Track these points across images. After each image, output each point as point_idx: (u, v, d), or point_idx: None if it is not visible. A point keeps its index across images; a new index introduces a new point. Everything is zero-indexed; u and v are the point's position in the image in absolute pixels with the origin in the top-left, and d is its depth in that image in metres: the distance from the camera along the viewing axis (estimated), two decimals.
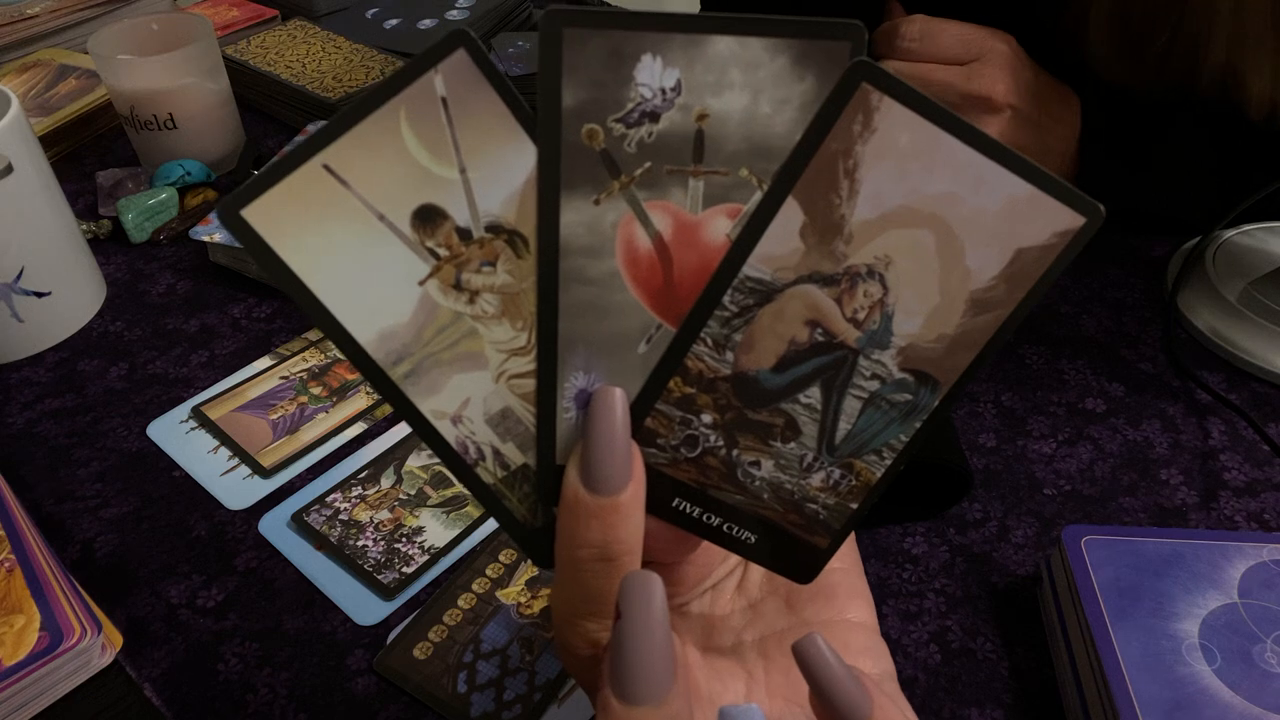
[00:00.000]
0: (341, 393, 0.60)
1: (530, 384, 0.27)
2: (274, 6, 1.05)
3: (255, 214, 0.24)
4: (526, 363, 0.27)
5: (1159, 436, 0.55)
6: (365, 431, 0.57)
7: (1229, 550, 0.44)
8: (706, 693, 0.28)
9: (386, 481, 0.54)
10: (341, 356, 0.62)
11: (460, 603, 0.48)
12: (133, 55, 0.75)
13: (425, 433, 0.27)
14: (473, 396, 0.27)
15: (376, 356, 0.26)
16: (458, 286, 0.26)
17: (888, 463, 0.27)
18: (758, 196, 0.24)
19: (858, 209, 0.24)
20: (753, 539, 0.28)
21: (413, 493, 0.53)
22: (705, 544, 0.30)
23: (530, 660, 0.45)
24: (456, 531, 0.51)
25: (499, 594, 0.48)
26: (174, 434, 0.58)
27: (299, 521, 0.52)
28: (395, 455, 0.56)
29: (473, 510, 0.52)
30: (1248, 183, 0.60)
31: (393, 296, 0.25)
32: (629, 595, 0.24)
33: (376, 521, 0.52)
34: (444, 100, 0.24)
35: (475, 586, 0.48)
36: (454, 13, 0.99)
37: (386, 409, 0.59)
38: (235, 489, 0.54)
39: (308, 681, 0.45)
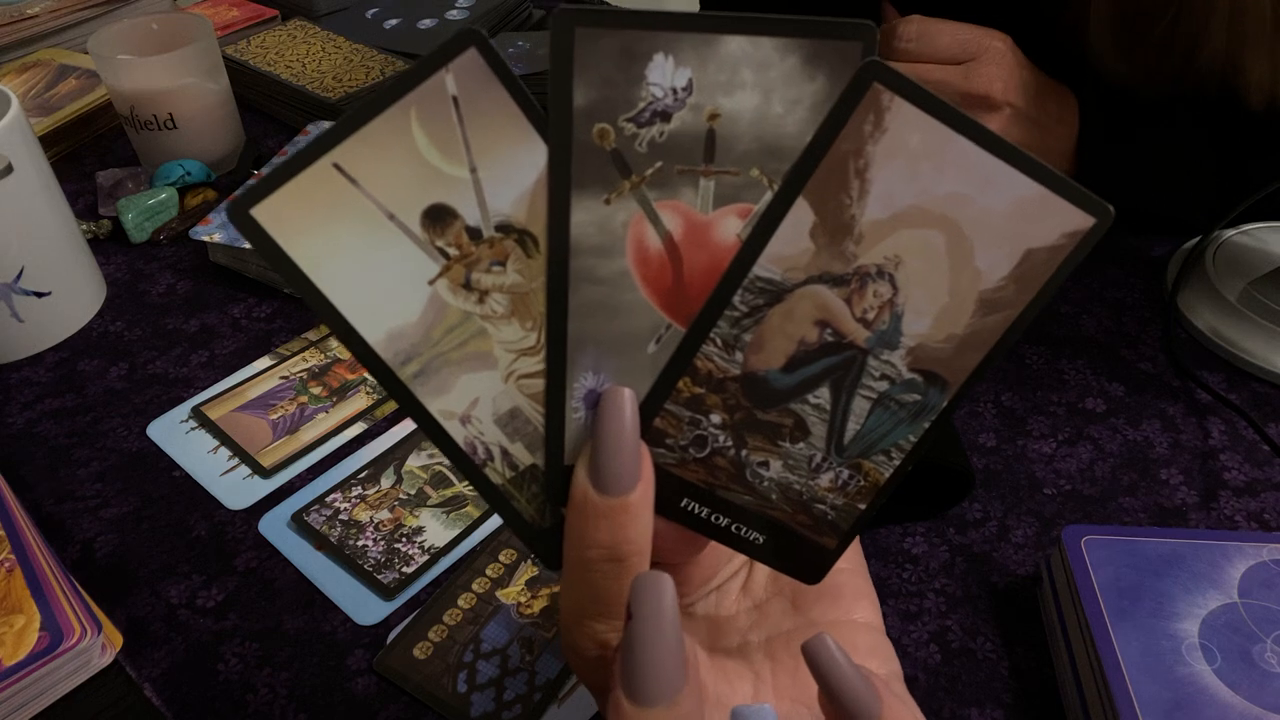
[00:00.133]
0: (341, 393, 0.60)
1: (539, 384, 0.27)
2: (274, 6, 1.04)
3: (264, 213, 0.24)
4: (536, 363, 0.27)
5: (1159, 436, 0.56)
6: (365, 431, 0.57)
7: (1229, 550, 0.44)
8: (714, 694, 0.28)
9: (386, 481, 0.54)
10: (342, 356, 0.62)
11: (460, 602, 0.48)
12: (133, 55, 0.75)
13: (433, 433, 0.27)
14: (481, 396, 0.27)
15: (385, 356, 0.26)
16: (467, 286, 0.26)
17: (896, 463, 0.27)
18: (768, 196, 0.24)
19: (868, 209, 0.24)
20: (761, 539, 0.28)
21: (413, 493, 0.53)
22: (711, 544, 0.30)
23: (530, 660, 0.45)
24: (456, 531, 0.51)
25: (499, 594, 0.48)
26: (174, 434, 0.58)
27: (299, 521, 0.52)
28: (395, 455, 0.56)
29: (473, 510, 0.52)
30: (1248, 182, 0.60)
31: (402, 296, 0.25)
32: (641, 596, 0.24)
33: (376, 521, 0.52)
34: (455, 99, 0.24)
35: (475, 586, 0.48)
36: (454, 13, 0.99)
37: (386, 409, 0.59)
38: (235, 489, 0.54)
39: (308, 681, 0.45)
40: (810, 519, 0.28)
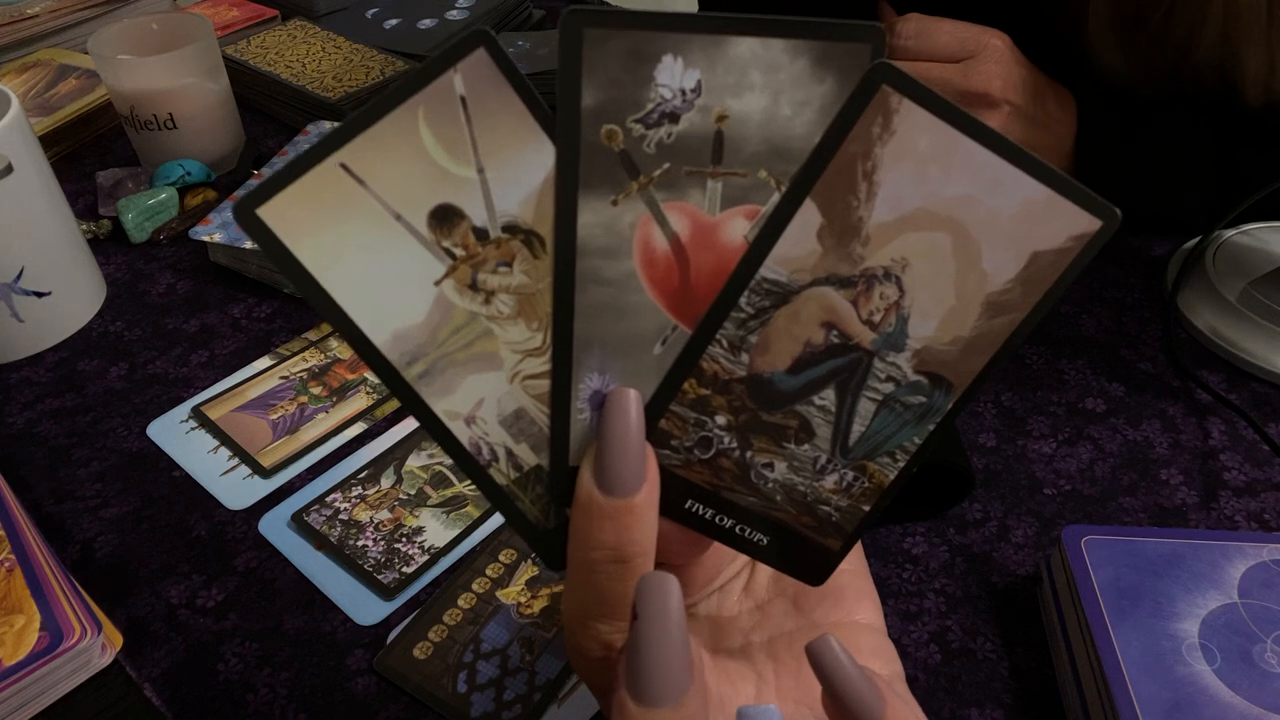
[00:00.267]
0: (341, 393, 0.60)
1: (545, 385, 0.27)
2: (274, 6, 1.04)
3: (270, 213, 0.24)
4: (541, 363, 0.27)
5: (1159, 436, 0.56)
6: (365, 431, 0.57)
7: (1229, 550, 0.44)
8: (717, 695, 0.28)
9: (386, 481, 0.54)
10: (342, 356, 0.62)
11: (460, 602, 0.48)
12: (133, 55, 0.75)
13: (438, 434, 0.27)
14: (487, 397, 0.27)
15: (391, 357, 0.26)
16: (473, 286, 0.26)
17: (900, 465, 0.27)
18: (776, 198, 0.24)
19: (875, 211, 0.24)
20: (765, 541, 0.28)
21: (413, 493, 0.53)
22: (714, 545, 0.30)
23: (530, 660, 0.45)
24: (456, 531, 0.51)
25: (499, 594, 0.48)
26: (174, 434, 0.57)
27: (299, 521, 0.52)
28: (395, 455, 0.56)
29: (473, 510, 0.52)
30: (1247, 181, 0.60)
31: (408, 296, 0.25)
32: (646, 597, 0.24)
33: (376, 521, 0.52)
34: (463, 99, 0.24)
35: (475, 586, 0.48)
36: (454, 13, 0.99)
37: (386, 409, 0.59)
38: (235, 489, 0.54)
39: (308, 681, 0.45)
40: (814, 520, 0.28)
